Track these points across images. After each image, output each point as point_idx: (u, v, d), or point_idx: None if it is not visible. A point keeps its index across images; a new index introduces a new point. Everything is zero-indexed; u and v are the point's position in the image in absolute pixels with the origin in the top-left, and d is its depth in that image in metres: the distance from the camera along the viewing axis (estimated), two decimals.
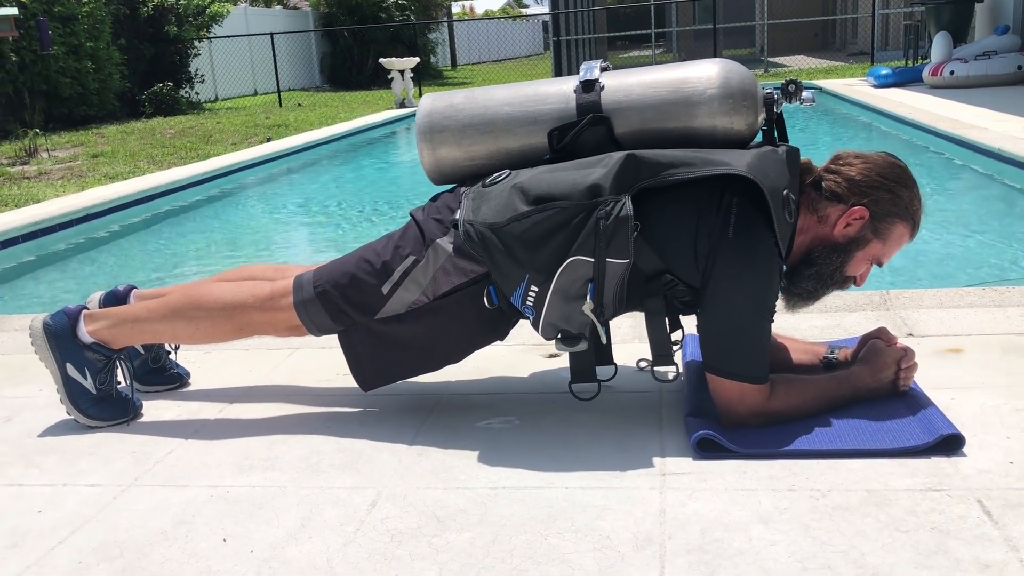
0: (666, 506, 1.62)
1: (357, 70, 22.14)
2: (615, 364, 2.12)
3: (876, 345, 1.98)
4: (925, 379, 2.05)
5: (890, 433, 1.79)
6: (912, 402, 1.90)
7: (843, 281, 1.96)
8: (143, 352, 2.34)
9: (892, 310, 2.66)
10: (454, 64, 32.47)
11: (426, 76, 20.90)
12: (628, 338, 2.54)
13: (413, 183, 7.25)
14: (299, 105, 15.72)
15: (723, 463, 1.76)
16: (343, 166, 9.07)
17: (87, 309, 2.19)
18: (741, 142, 1.93)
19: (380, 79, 19.53)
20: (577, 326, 1.87)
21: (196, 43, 16.72)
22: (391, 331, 1.98)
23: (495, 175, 1.97)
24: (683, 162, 1.82)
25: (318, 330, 2.05)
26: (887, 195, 1.90)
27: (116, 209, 6.32)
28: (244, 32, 19.49)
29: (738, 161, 1.81)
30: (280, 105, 15.99)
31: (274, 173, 8.52)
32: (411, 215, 2.06)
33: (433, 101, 2.07)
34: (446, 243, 1.95)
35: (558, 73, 18.43)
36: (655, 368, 1.98)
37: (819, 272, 1.93)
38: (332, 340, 2.11)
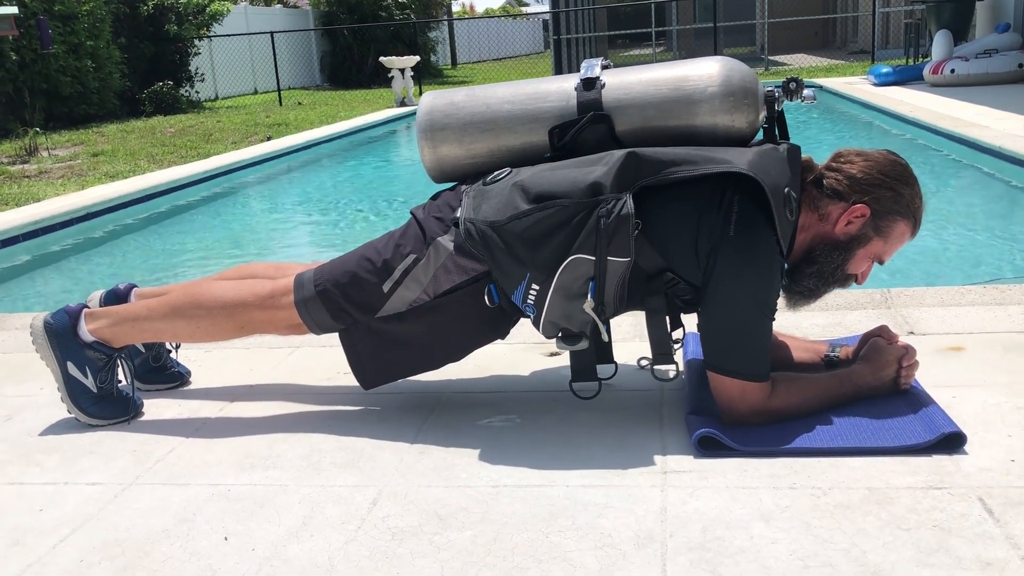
0: (667, 504, 1.62)
1: (357, 69, 22.13)
2: (616, 362, 2.12)
3: (877, 343, 1.98)
4: (926, 377, 2.05)
5: (891, 431, 1.79)
6: (913, 400, 1.90)
7: (844, 279, 1.96)
8: (144, 351, 2.34)
9: (893, 308, 2.66)
10: (454, 63, 32.47)
11: (426, 75, 20.90)
12: (629, 336, 2.54)
13: (413, 181, 7.24)
14: (299, 104, 15.72)
15: (724, 461, 1.76)
16: (343, 165, 9.07)
17: (88, 308, 2.19)
18: (742, 140, 1.93)
19: (380, 78, 19.54)
20: (578, 324, 1.87)
21: (196, 42, 16.73)
22: (392, 329, 1.98)
23: (496, 173, 1.97)
24: (684, 160, 1.82)
25: (319, 328, 2.05)
26: (888, 193, 1.90)
27: (116, 208, 6.32)
28: (244, 31, 19.49)
29: (739, 159, 1.80)
30: (280, 104, 15.99)
31: (274, 172, 8.51)
32: (412, 213, 2.06)
33: (434, 99, 2.07)
34: (447, 241, 1.95)
35: (558, 72, 18.41)
36: (656, 366, 1.98)
37: (820, 270, 1.93)
38: (333, 339, 2.11)
